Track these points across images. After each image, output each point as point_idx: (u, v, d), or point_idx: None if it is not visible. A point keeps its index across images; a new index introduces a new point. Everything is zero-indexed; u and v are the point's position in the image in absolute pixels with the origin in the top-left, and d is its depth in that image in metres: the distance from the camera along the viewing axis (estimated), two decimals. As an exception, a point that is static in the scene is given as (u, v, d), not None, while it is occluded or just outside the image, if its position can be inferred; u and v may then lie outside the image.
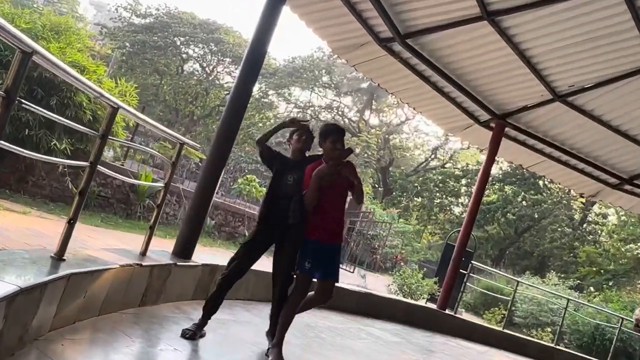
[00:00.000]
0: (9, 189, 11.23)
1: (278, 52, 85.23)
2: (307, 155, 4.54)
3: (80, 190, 3.23)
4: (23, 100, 2.44)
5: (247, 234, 17.90)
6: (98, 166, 3.26)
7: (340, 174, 4.05)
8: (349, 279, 17.10)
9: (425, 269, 21.36)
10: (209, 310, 4.14)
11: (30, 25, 11.68)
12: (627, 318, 15.09)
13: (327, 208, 4.14)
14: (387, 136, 36.67)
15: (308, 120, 5.06)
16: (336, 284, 4.37)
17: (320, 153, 4.37)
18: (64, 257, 3.12)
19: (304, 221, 4.18)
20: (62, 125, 10.58)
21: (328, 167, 3.98)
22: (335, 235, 4.29)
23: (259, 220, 4.46)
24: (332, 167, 3.99)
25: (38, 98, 10.35)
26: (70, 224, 3.17)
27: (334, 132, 4.27)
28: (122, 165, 15.74)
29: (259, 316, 5.23)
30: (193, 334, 3.89)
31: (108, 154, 14.20)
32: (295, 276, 4.14)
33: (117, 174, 4.83)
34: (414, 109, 11.13)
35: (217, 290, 4.21)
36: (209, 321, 4.04)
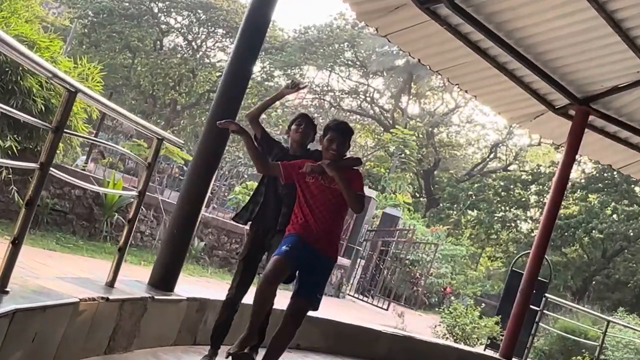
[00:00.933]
0: (-62, 201, 11.36)
1: (286, 20, 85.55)
2: (308, 149, 4.95)
3: (28, 201, 3.23)
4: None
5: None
6: (51, 169, 3.27)
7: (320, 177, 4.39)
8: (382, 318, 17.10)
9: (483, 305, 21.25)
10: (217, 338, 4.68)
11: (-38, -10, 11.83)
12: None
13: (315, 210, 4.45)
14: (430, 129, 36.67)
15: (306, 84, 5.48)
16: (310, 312, 4.65)
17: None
18: (7, 289, 3.13)
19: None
20: (6, 118, 10.69)
21: (312, 165, 4.33)
22: (321, 242, 4.50)
23: (247, 221, 5.10)
24: (316, 168, 4.33)
25: (-25, 83, 10.47)
26: (15, 245, 3.18)
27: (332, 130, 4.53)
28: (84, 169, 15.86)
29: None
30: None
31: (63, 157, 14.28)
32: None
33: (76, 180, 4.84)
34: (466, 92, 11.12)
35: (223, 311, 4.78)
36: None
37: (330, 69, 36.83)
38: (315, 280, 4.58)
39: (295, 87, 5.23)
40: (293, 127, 4.98)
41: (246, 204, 5.22)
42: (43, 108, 11.31)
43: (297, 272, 4.54)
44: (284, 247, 4.28)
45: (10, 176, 11.87)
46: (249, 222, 5.11)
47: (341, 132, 4.56)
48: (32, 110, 11.07)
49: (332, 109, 36.95)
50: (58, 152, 2.81)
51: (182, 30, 35.28)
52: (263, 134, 5.00)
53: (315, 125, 5.07)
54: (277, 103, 35.77)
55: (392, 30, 8.63)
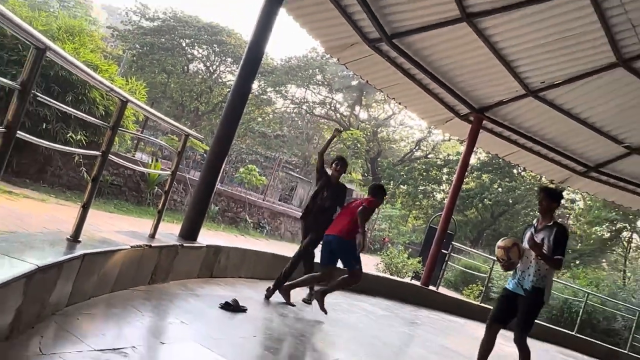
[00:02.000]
0: (29, 179, 11.18)
1: (275, 52, 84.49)
2: (340, 180, 5.70)
3: (93, 177, 3.21)
4: (38, 94, 2.41)
5: (247, 218, 18.02)
6: (110, 155, 3.24)
7: None
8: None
9: (410, 249, 21.53)
10: (282, 281, 5.15)
11: (46, 28, 11.59)
12: (593, 293, 15.25)
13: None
14: (375, 129, 36.69)
15: (341, 130, 6.02)
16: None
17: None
18: (79, 239, 3.10)
19: (322, 225, 5.28)
20: (77, 119, 10.54)
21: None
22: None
23: (304, 214, 5.62)
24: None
25: (54, 94, 10.28)
26: (85, 209, 3.15)
27: (337, 161, 5.73)
28: (133, 156, 15.72)
29: (259, 292, 5.25)
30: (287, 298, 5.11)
31: (118, 147, 14.14)
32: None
33: (128, 163, 4.80)
34: (399, 104, 11.15)
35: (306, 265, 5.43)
36: (217, 298, 4.26)
37: (306, 87, 36.58)
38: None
39: (339, 133, 6.15)
40: (333, 166, 5.63)
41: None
42: (103, 112, 11.15)
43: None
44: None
45: (81, 160, 11.72)
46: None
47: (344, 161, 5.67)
48: (95, 114, 10.90)
49: (307, 114, 36.82)
50: (114, 143, 2.76)
51: (203, 59, 34.70)
52: (321, 167, 5.70)
53: (346, 164, 5.75)
54: (269, 109, 35.94)
55: (348, 60, 8.62)
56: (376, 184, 6.05)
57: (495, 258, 4.56)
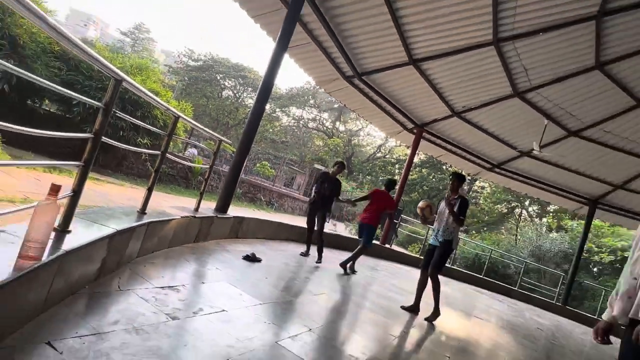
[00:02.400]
0: (111, 170, 11.09)
1: (282, 83, 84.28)
2: (336, 177, 5.71)
3: (155, 169, 3.19)
4: (117, 111, 2.39)
5: (262, 198, 17.95)
6: (167, 154, 3.22)
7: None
8: (326, 225, 17.14)
9: (373, 220, 21.75)
10: (308, 244, 5.64)
11: (122, 65, 11.44)
12: (494, 249, 15.46)
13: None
14: (350, 138, 36.61)
15: (352, 202, 6.30)
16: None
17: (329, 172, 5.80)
18: (145, 212, 3.09)
19: (327, 206, 5.52)
20: (144, 129, 10.43)
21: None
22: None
23: (311, 202, 5.61)
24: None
25: (128, 111, 10.16)
26: (149, 191, 3.14)
27: (338, 165, 5.72)
28: (182, 154, 15.60)
29: (271, 249, 5.27)
30: (305, 254, 5.50)
31: (173, 147, 13.99)
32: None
33: (179, 159, 4.76)
34: (366, 120, 11.16)
35: (308, 233, 5.70)
36: (240, 252, 4.26)
37: (302, 108, 36.33)
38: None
39: (348, 201, 6.26)
40: (334, 168, 5.71)
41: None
42: (162, 124, 11.07)
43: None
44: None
45: (147, 157, 11.62)
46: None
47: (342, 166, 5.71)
48: (156, 125, 10.82)
49: (303, 127, 36.65)
50: (170, 146, 2.69)
51: (231, 88, 34.19)
52: (321, 180, 5.69)
53: (344, 167, 5.78)
54: (277, 124, 35.73)
55: (332, 90, 8.59)
56: (390, 179, 6.11)
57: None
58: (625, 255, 18.09)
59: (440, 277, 4.37)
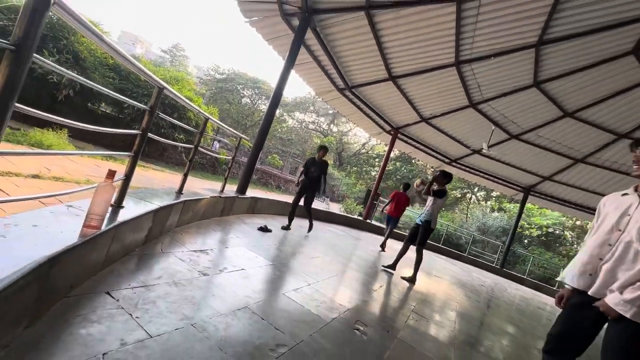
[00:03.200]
0: (154, 159, 10.97)
1: (289, 93, 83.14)
2: (322, 159, 4.97)
3: (190, 159, 3.15)
4: (159, 113, 2.34)
5: (272, 183, 17.80)
6: (199, 148, 3.18)
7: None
8: (321, 205, 17.25)
9: (357, 200, 21.71)
10: (290, 219, 4.83)
11: (163, 76, 11.21)
12: (450, 225, 15.56)
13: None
14: (341, 137, 36.37)
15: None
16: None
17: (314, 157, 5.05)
18: (182, 192, 3.07)
19: (315, 187, 4.86)
20: (180, 128, 10.29)
21: None
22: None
23: (299, 183, 4.98)
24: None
25: (168, 113, 10.01)
26: (185, 176, 3.11)
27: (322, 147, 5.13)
28: (210, 148, 15.45)
29: (280, 222, 5.26)
30: (286, 228, 4.74)
31: (203, 142, 13.85)
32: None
33: (209, 152, 4.71)
34: (354, 123, 11.08)
35: (292, 210, 4.89)
36: (256, 224, 4.21)
37: (304, 113, 35.97)
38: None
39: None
40: (320, 152, 4.92)
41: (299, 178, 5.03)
42: (195, 124, 10.91)
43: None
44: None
45: (182, 149, 11.48)
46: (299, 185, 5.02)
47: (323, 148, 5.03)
48: (191, 125, 10.67)
49: (305, 128, 36.31)
50: (202, 140, 2.65)
51: (249, 96, 33.72)
52: (307, 166, 4.95)
53: (327, 150, 4.93)
54: (285, 125, 35.37)
55: (328, 99, 8.50)
56: (406, 183, 6.54)
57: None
58: (550, 231, 18.33)
59: (406, 245, 4.39)
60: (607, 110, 7.43)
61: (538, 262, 15.77)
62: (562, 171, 10.22)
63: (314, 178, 5.00)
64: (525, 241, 18.49)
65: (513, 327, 4.05)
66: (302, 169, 5.06)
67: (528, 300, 6.98)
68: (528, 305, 6.35)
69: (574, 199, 11.25)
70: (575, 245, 18.24)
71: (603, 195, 10.54)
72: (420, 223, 4.27)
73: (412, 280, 4.21)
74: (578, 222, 18.38)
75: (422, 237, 4.21)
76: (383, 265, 4.42)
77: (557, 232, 18.25)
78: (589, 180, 10.16)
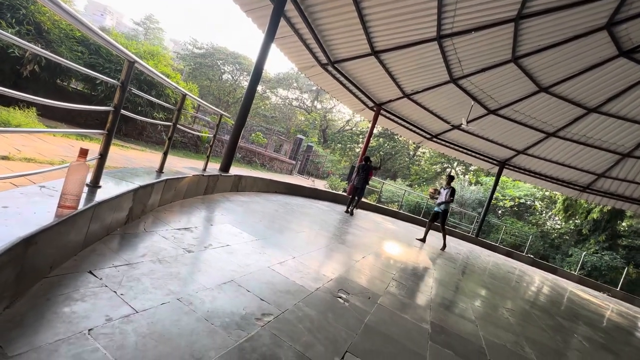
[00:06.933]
0: (133, 138, 10.54)
1: (270, 68, 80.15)
2: (368, 165, 6.86)
3: (169, 137, 3.05)
4: (133, 89, 2.23)
5: (256, 161, 17.57)
6: (178, 125, 3.07)
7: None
8: (306, 181, 17.32)
9: (341, 177, 21.91)
10: (349, 205, 6.95)
11: (136, 50, 10.51)
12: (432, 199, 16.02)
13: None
14: (325, 114, 35.89)
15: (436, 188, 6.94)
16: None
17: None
18: (162, 171, 2.99)
19: (363, 188, 6.85)
20: (159, 105, 9.84)
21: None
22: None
23: (350, 186, 6.90)
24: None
25: (144, 90, 9.51)
26: (165, 155, 3.02)
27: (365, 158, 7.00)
28: (192, 126, 14.94)
29: (264, 199, 5.26)
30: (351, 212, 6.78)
31: (183, 120, 13.34)
32: None
33: (189, 130, 4.56)
34: (337, 100, 10.92)
35: (351, 200, 7.00)
36: (240, 202, 4.16)
37: (287, 89, 34.93)
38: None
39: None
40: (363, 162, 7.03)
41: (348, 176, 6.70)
42: (174, 102, 10.46)
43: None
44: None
45: (162, 128, 11.06)
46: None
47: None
48: (169, 102, 10.22)
49: (288, 105, 35.48)
50: (181, 118, 2.55)
51: (230, 72, 32.24)
52: (358, 170, 7.10)
53: (369, 159, 7.07)
54: (268, 102, 34.46)
55: (310, 75, 8.28)
56: (367, 156, 7.31)
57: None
58: (521, 202, 19.25)
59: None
60: (578, 85, 7.63)
61: (510, 231, 16.68)
62: (535, 145, 10.59)
63: (362, 180, 6.91)
64: (499, 212, 19.40)
65: (485, 290, 4.33)
66: (354, 172, 7.10)
67: (499, 266, 7.45)
68: (499, 270, 6.78)
69: (545, 171, 11.76)
70: (544, 215, 19.31)
71: (572, 167, 11.08)
72: (440, 211, 6.18)
73: (444, 247, 6.36)
74: (547, 193, 19.34)
75: (443, 219, 6.20)
76: (417, 238, 6.37)
77: (529, 202, 19.19)
78: (559, 153, 10.60)
